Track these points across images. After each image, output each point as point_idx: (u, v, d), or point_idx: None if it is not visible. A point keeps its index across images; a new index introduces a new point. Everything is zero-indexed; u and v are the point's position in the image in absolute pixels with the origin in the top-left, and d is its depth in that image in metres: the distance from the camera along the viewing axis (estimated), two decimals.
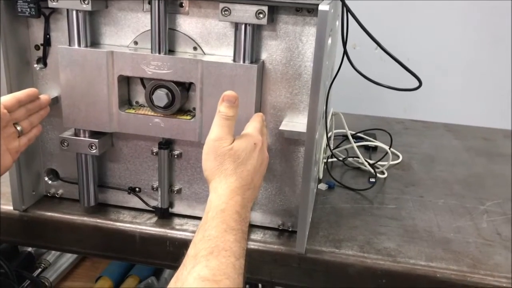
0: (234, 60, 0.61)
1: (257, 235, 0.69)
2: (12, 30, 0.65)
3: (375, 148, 1.04)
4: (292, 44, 0.62)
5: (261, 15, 0.58)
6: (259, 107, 0.64)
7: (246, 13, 0.58)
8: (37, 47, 0.68)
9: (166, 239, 0.69)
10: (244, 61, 0.61)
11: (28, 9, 0.63)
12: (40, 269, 1.22)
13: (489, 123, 1.28)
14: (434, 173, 0.95)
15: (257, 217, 0.70)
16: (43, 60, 0.68)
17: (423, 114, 1.33)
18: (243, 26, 0.59)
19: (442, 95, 1.38)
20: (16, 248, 1.20)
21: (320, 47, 0.55)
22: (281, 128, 0.63)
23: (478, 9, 1.30)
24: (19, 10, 0.63)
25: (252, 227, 0.70)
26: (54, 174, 0.75)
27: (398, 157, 1.01)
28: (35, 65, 0.69)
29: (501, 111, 1.35)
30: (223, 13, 0.58)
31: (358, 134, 1.06)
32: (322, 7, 0.54)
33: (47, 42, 0.67)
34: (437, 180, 0.92)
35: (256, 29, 0.61)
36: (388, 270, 0.65)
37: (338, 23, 0.79)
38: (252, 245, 0.67)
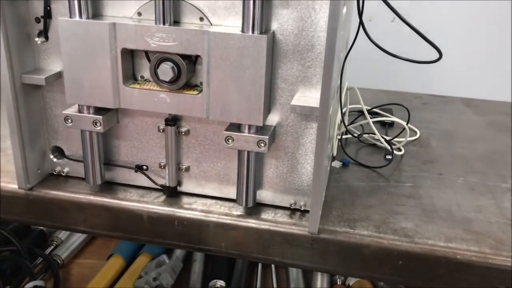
0: (242, 31, 0.58)
1: (267, 215, 0.66)
2: (11, 2, 0.62)
3: (391, 124, 1.00)
4: (304, 13, 0.58)
5: None
6: (269, 80, 0.61)
7: None
8: (37, 20, 0.65)
9: (174, 219, 0.67)
10: (253, 32, 0.57)
11: None
12: (52, 247, 1.22)
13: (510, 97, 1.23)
14: (454, 150, 0.91)
15: (268, 196, 0.68)
16: (44, 33, 0.66)
17: (442, 88, 1.28)
18: None
19: (462, 69, 1.33)
20: (29, 225, 1.20)
21: (335, 15, 0.52)
22: (292, 103, 0.60)
23: None
24: None
25: (262, 206, 0.68)
26: (59, 152, 0.73)
27: (416, 133, 0.98)
28: (36, 39, 0.66)
29: None
30: None
31: (374, 110, 1.02)
32: None
33: (47, 15, 0.64)
34: (457, 157, 0.88)
35: None
36: (405, 251, 0.62)
37: None
38: (262, 225, 0.65)
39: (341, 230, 0.64)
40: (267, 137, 0.61)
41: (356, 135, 0.91)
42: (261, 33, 0.58)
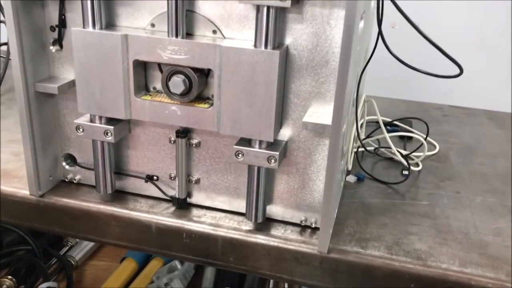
0: (255, 46, 0.57)
1: (277, 231, 0.65)
2: (26, 11, 0.62)
3: (410, 137, 0.98)
4: (319, 28, 0.57)
5: None
6: (281, 96, 0.60)
7: None
8: (52, 29, 0.65)
9: (183, 231, 0.66)
10: (266, 47, 0.56)
11: None
12: (66, 248, 1.23)
13: None
14: (473, 166, 0.88)
15: (278, 212, 0.67)
16: (58, 42, 0.66)
17: (464, 99, 1.25)
18: (265, 9, 0.54)
19: (486, 80, 1.29)
20: None
21: (349, 34, 0.50)
22: (304, 119, 0.58)
23: None
24: None
25: (273, 221, 0.67)
26: (71, 159, 0.73)
27: (435, 147, 0.95)
28: (51, 47, 0.67)
29: None
30: None
31: (393, 122, 1.00)
32: None
33: (62, 24, 0.64)
34: (476, 174, 0.85)
35: (280, 12, 0.56)
36: (417, 274, 0.60)
37: (374, 2, 0.73)
38: (271, 242, 0.64)
39: (351, 250, 0.62)
40: (278, 153, 0.59)
41: (372, 149, 0.89)
42: (274, 48, 0.56)
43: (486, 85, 1.29)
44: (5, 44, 0.84)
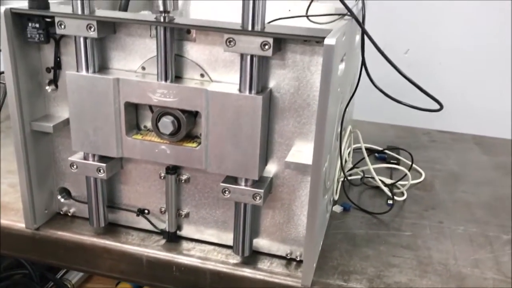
0: (240, 90, 0.60)
1: (264, 264, 0.68)
2: (23, 54, 0.65)
3: (397, 165, 1.01)
4: (300, 74, 0.60)
5: (266, 47, 0.56)
6: (265, 136, 0.63)
7: (251, 45, 0.56)
8: (48, 70, 0.68)
9: (173, 264, 0.69)
10: (250, 91, 0.59)
11: (37, 35, 0.63)
12: (63, 271, 1.25)
13: None
14: (457, 195, 0.91)
15: (265, 245, 0.69)
16: (54, 83, 0.69)
17: (454, 123, 1.28)
18: (248, 57, 0.58)
19: (475, 103, 1.32)
20: None
21: (326, 81, 0.53)
22: (287, 159, 0.61)
23: None
24: (29, 35, 0.64)
25: (260, 254, 0.69)
26: (66, 193, 0.76)
27: (421, 175, 0.98)
28: (47, 87, 0.70)
29: None
30: (228, 43, 0.57)
31: (383, 150, 1.03)
32: (329, 40, 0.52)
33: (57, 66, 0.67)
34: (459, 203, 0.88)
35: (263, 59, 0.59)
36: None
37: (358, 36, 0.76)
38: (258, 275, 0.66)
39: (334, 284, 0.65)
40: (262, 190, 0.62)
41: (358, 178, 0.92)
42: (257, 92, 0.59)
43: (475, 110, 1.32)
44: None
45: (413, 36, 1.33)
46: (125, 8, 0.83)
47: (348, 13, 0.65)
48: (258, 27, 0.57)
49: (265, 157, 0.64)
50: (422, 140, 1.18)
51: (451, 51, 1.29)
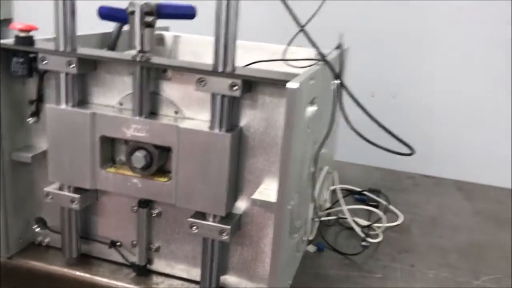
0: (210, 128, 0.62)
1: None
2: (7, 86, 0.68)
3: (376, 206, 1.02)
4: (269, 114, 0.62)
5: (235, 88, 0.59)
6: (234, 173, 0.64)
7: (221, 85, 0.59)
8: (31, 102, 0.71)
9: None
10: (220, 129, 0.61)
11: (21, 69, 0.66)
12: None
13: (505, 183, 1.23)
14: (433, 239, 0.92)
15: (233, 282, 0.70)
16: (36, 115, 0.71)
17: (438, 168, 1.29)
18: (219, 96, 0.60)
19: (461, 148, 1.33)
20: None
21: (290, 124, 0.55)
22: (253, 197, 0.62)
23: (505, 59, 1.24)
24: (13, 69, 0.67)
25: None
26: (42, 223, 0.77)
27: (399, 217, 0.99)
28: (29, 119, 0.72)
29: None
30: (199, 83, 0.60)
31: (361, 190, 1.04)
32: (291, 84, 0.54)
33: (40, 99, 0.70)
34: (434, 247, 0.88)
35: (234, 98, 0.61)
36: None
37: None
38: None
39: None
40: (229, 227, 0.63)
41: (334, 218, 0.93)
42: (227, 130, 0.62)
43: (459, 156, 1.33)
44: None
45: (399, 80, 1.36)
46: (113, 46, 0.87)
47: (322, 60, 0.68)
48: (228, 69, 0.60)
49: (234, 193, 0.66)
50: (405, 183, 1.19)
51: (441, 97, 1.32)
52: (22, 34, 0.65)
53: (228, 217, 0.65)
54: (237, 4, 0.58)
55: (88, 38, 0.83)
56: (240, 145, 0.64)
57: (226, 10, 0.58)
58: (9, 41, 0.66)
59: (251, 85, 0.61)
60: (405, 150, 0.74)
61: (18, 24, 0.65)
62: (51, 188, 0.70)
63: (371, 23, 1.30)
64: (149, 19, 0.61)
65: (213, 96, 0.61)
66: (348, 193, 1.06)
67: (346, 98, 0.70)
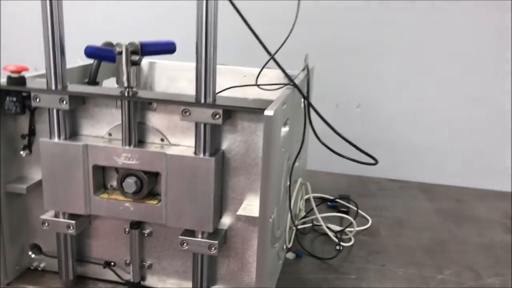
0: (195, 153, 0.68)
1: None
2: (2, 123, 0.73)
3: (347, 212, 1.09)
4: (248, 137, 0.69)
5: (217, 116, 0.65)
6: (219, 193, 0.71)
7: (204, 114, 0.65)
8: (23, 136, 0.76)
9: None
10: (204, 154, 0.68)
11: (14, 107, 0.71)
12: None
13: (464, 182, 1.33)
14: (400, 239, 1.00)
15: None
16: (28, 148, 0.76)
17: (403, 171, 1.38)
18: (202, 125, 0.67)
19: (423, 152, 1.42)
20: None
21: (268, 147, 0.62)
22: (238, 213, 0.69)
23: (460, 68, 1.33)
24: (6, 107, 0.71)
25: None
26: (37, 249, 0.81)
27: (368, 221, 1.07)
28: (22, 152, 0.76)
29: (478, 169, 1.39)
30: (184, 114, 0.66)
31: (333, 198, 1.12)
32: (268, 112, 0.61)
33: (32, 133, 0.75)
34: (402, 247, 0.97)
35: (215, 126, 0.68)
36: None
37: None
38: None
39: None
40: (217, 242, 0.70)
41: (310, 225, 1.00)
42: (211, 154, 0.68)
43: (424, 157, 1.42)
44: None
45: (364, 91, 1.43)
46: (94, 76, 0.92)
47: (291, 83, 0.75)
48: (209, 100, 0.66)
49: (219, 211, 0.72)
50: (372, 188, 1.28)
51: (402, 105, 1.40)
52: (14, 75, 0.70)
53: (215, 233, 0.72)
54: (215, 40, 0.65)
55: (69, 72, 0.88)
56: (223, 167, 0.71)
57: (205, 47, 0.64)
58: (1, 81, 0.71)
59: (230, 112, 0.68)
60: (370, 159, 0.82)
61: (10, 66, 0.70)
62: (47, 216, 0.75)
63: (335, 36, 1.37)
64: (135, 58, 0.67)
65: (197, 124, 0.67)
66: (321, 201, 1.13)
67: (314, 112, 0.77)
